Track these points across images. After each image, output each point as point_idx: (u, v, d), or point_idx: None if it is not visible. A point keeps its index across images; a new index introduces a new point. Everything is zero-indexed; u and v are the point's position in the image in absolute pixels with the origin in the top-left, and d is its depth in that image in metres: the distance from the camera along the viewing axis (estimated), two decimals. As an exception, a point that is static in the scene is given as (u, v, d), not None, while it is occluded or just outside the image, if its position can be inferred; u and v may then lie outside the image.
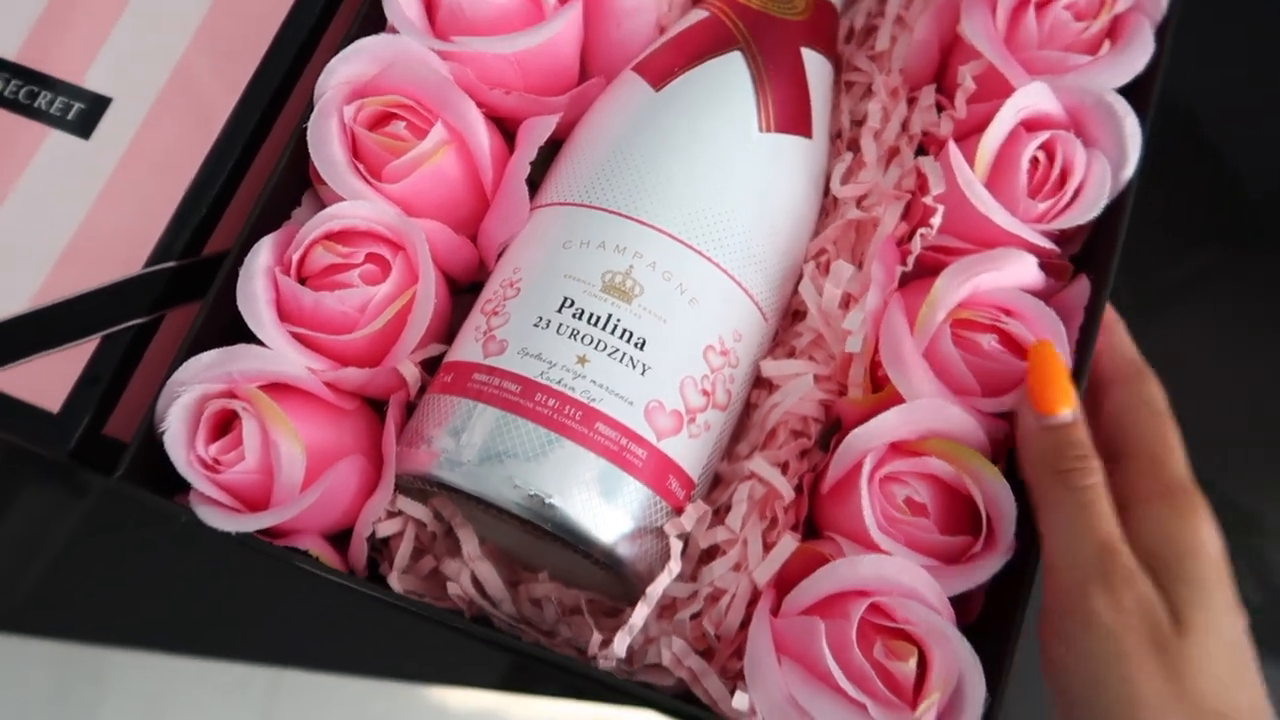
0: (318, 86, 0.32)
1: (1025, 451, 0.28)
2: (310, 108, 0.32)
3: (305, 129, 0.32)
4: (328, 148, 0.31)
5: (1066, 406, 0.28)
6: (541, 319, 0.30)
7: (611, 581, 0.31)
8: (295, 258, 0.31)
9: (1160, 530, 0.27)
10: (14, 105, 0.35)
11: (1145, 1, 0.33)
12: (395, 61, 0.32)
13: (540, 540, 0.30)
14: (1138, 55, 0.33)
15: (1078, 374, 0.30)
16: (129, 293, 0.33)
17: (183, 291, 0.34)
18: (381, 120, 0.32)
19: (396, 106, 0.32)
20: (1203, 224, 0.47)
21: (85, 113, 0.35)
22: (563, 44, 0.34)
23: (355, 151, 0.32)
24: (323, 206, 0.33)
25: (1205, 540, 0.26)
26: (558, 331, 0.29)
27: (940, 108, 0.36)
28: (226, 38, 0.36)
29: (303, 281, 0.31)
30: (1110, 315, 0.32)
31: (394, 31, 0.33)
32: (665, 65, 0.34)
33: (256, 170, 0.36)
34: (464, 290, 0.36)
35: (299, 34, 0.36)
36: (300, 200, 0.34)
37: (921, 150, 0.36)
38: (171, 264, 0.34)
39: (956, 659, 0.27)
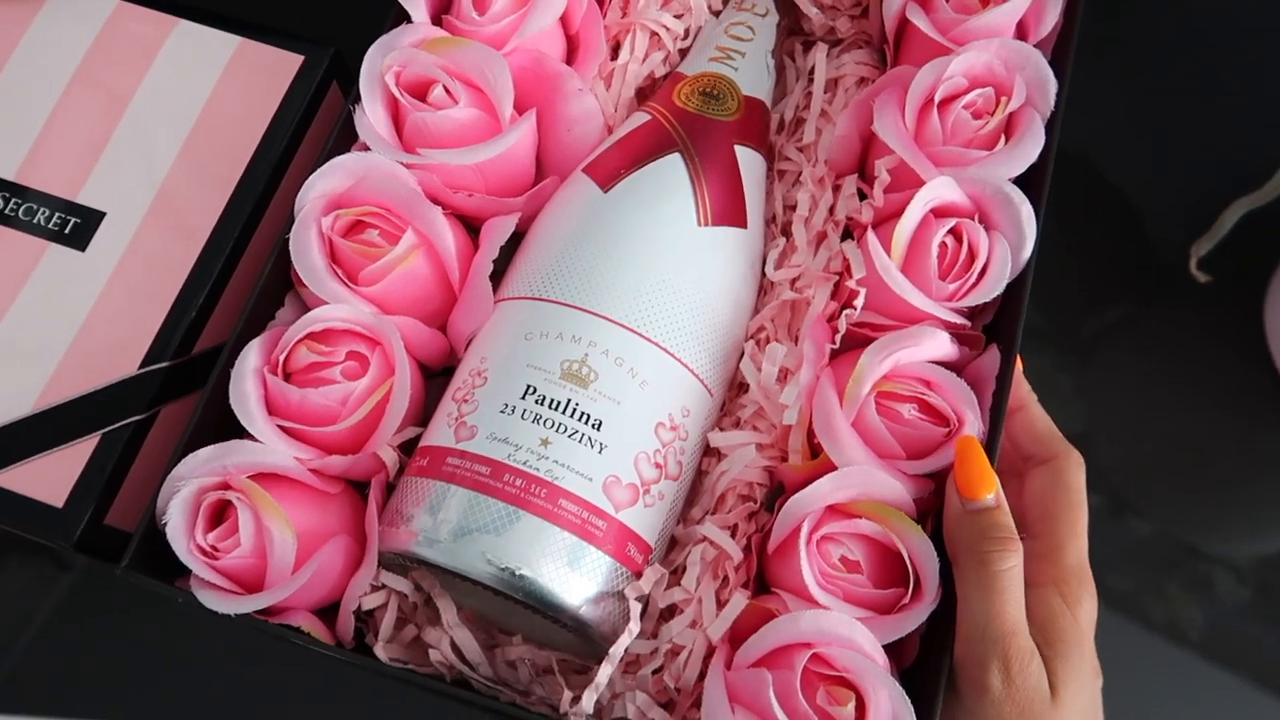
0: (298, 199, 0.35)
1: (950, 532, 0.32)
2: (291, 219, 0.35)
3: (288, 239, 0.35)
4: (308, 255, 0.35)
5: (988, 491, 0.31)
6: (507, 405, 0.33)
7: (580, 642, 0.34)
8: (281, 357, 0.34)
9: (1049, 612, 0.31)
10: (13, 222, 0.38)
11: (1035, 98, 0.38)
12: (367, 175, 0.36)
13: (513, 606, 0.33)
14: (1030, 147, 0.37)
15: (992, 434, 0.34)
16: (126, 392, 0.36)
17: (176, 388, 0.37)
18: (356, 228, 0.36)
19: (370, 216, 0.35)
20: (1119, 275, 0.51)
21: (80, 226, 0.38)
22: (519, 151, 0.38)
23: (334, 257, 0.35)
24: (304, 306, 0.36)
25: (1084, 621, 0.31)
26: (522, 417, 0.33)
27: (862, 194, 0.40)
28: (208, 155, 0.39)
29: (287, 378, 0.34)
30: (1025, 390, 0.36)
31: (365, 148, 0.37)
32: (612, 167, 0.38)
33: (240, 275, 0.39)
34: (435, 375, 0.39)
35: (274, 151, 0.39)
36: (284, 301, 0.37)
37: (847, 233, 0.40)
38: (165, 364, 0.36)
39: (890, 700, 0.30)
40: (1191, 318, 0.50)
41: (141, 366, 0.36)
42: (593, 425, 0.33)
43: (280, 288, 0.37)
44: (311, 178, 0.35)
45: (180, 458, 0.32)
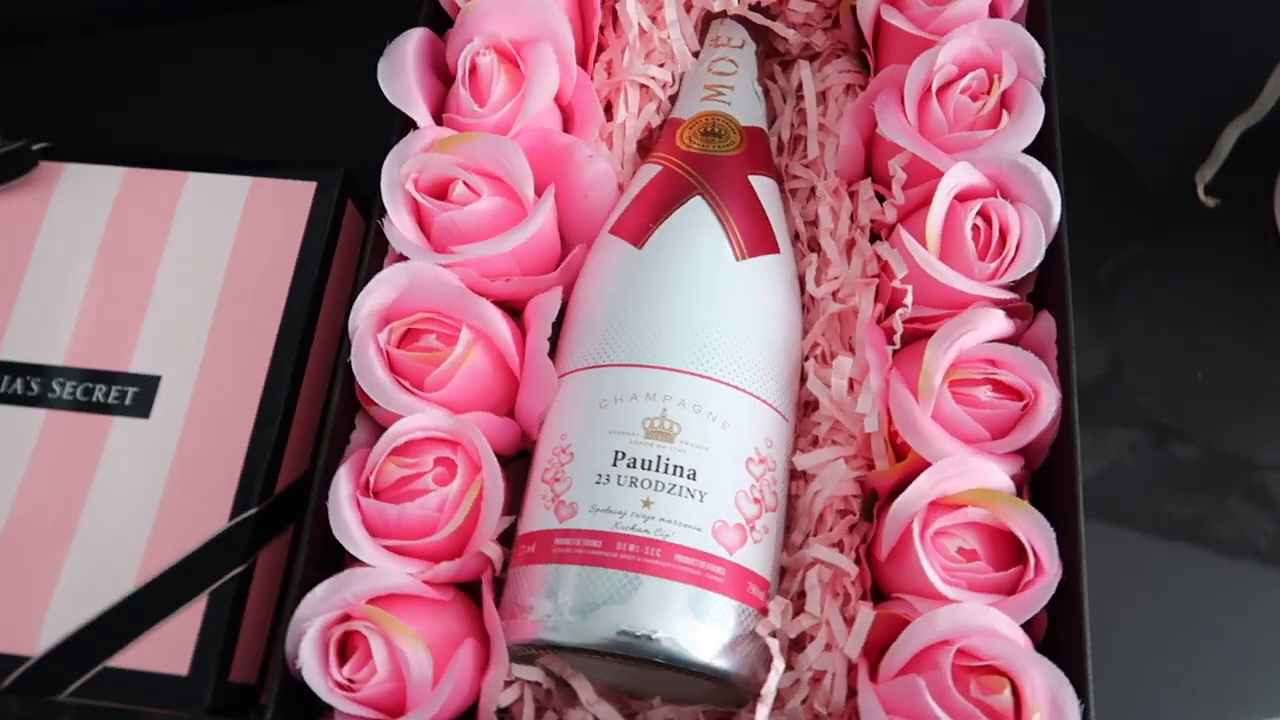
0: (350, 320, 0.36)
1: None
2: (344, 340, 0.36)
3: (349, 362, 0.35)
4: (373, 374, 0.35)
5: None
6: (601, 475, 0.33)
7: (719, 690, 0.34)
8: (371, 479, 0.34)
9: None
10: (74, 404, 0.38)
11: (1026, 70, 0.39)
12: (411, 283, 0.36)
13: (647, 670, 0.33)
14: (1033, 117, 0.38)
15: (1066, 398, 0.34)
16: (222, 547, 0.36)
17: (268, 531, 0.37)
18: (411, 336, 0.36)
19: (423, 322, 0.36)
20: (1129, 215, 0.52)
21: (140, 395, 0.39)
22: (546, 228, 0.39)
23: (397, 370, 0.36)
24: (375, 423, 0.37)
25: None
26: (619, 483, 0.33)
27: (880, 197, 0.41)
28: (246, 298, 0.40)
29: (377, 496, 0.34)
30: None
31: (400, 258, 0.37)
32: (639, 223, 0.39)
33: (303, 406, 0.39)
34: (511, 461, 0.39)
35: (308, 280, 0.40)
36: (354, 423, 0.37)
37: (874, 236, 0.41)
38: (253, 510, 0.37)
39: (1044, 677, 0.30)
40: (1206, 243, 0.51)
41: (231, 518, 0.37)
42: (688, 476, 0.33)
43: (349, 410, 0.37)
44: (360, 297, 0.36)
45: (296, 600, 0.33)
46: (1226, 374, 0.51)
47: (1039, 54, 0.39)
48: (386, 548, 0.34)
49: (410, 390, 0.35)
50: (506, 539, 0.36)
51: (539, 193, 0.38)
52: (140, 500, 0.37)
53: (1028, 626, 0.32)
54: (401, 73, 0.39)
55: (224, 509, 0.37)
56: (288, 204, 0.41)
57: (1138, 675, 0.44)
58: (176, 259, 0.41)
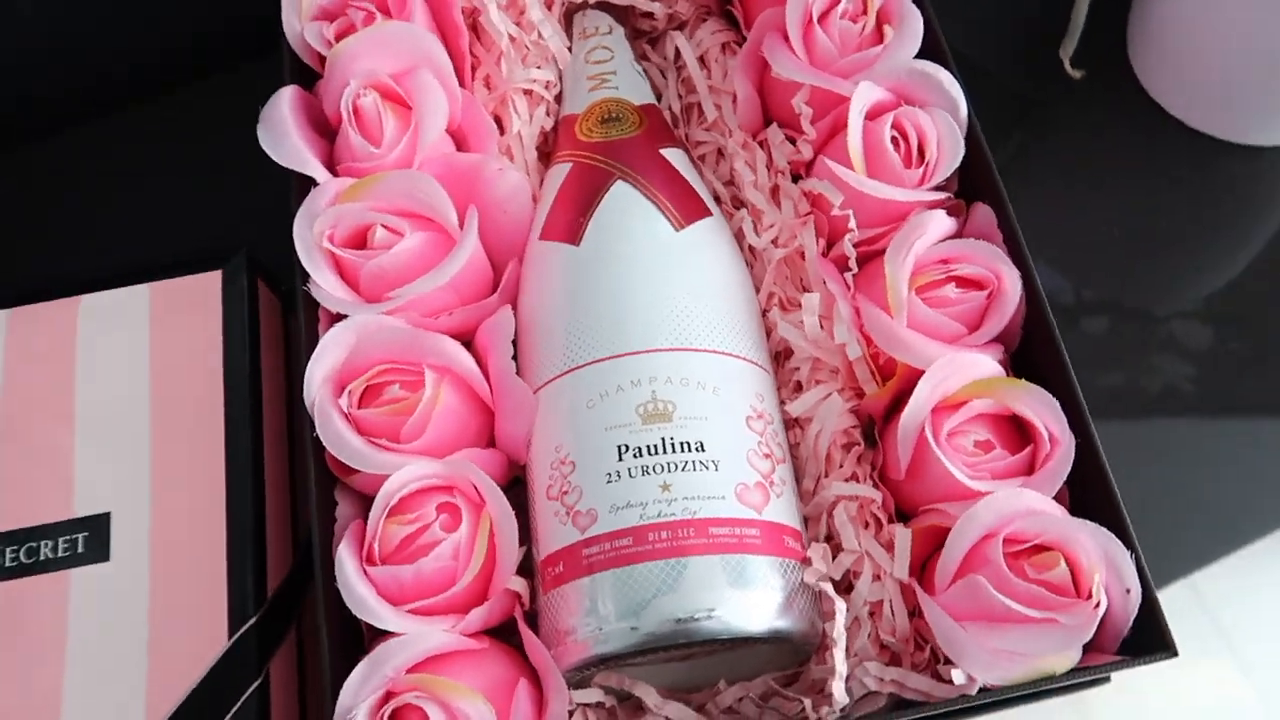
0: (305, 394, 0.34)
1: None
2: (296, 420, 0.34)
3: (316, 437, 0.33)
4: (345, 441, 0.33)
5: None
6: (611, 474, 0.32)
7: (781, 652, 0.33)
8: (376, 546, 0.32)
9: None
10: (18, 569, 0.35)
11: (893, -17, 0.40)
12: (358, 340, 0.34)
13: (705, 655, 0.32)
14: (914, 23, 0.39)
15: (1028, 277, 0.35)
16: (230, 667, 0.33)
17: (273, 636, 0.35)
18: (373, 393, 0.34)
19: (381, 375, 0.34)
20: (1005, 105, 0.54)
21: (92, 539, 0.35)
22: (477, 252, 0.37)
23: (366, 431, 0.34)
24: (358, 494, 0.35)
25: None
26: (630, 476, 0.32)
27: (790, 139, 0.41)
28: (181, 406, 0.37)
29: (385, 562, 0.32)
30: None
31: (337, 317, 0.35)
32: (569, 222, 0.38)
33: (273, 498, 0.37)
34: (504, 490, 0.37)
35: (241, 370, 0.38)
36: (335, 497, 0.35)
37: (795, 176, 0.41)
38: (253, 620, 0.34)
39: (1092, 540, 0.30)
40: (1079, 112, 0.53)
41: (231, 634, 0.34)
42: (697, 449, 0.32)
43: (327, 486, 0.35)
44: (309, 367, 0.34)
45: (333, 695, 0.30)
46: (1124, 232, 0.53)
47: (899, -35, 0.40)
48: (412, 611, 0.32)
49: (388, 447, 0.34)
50: (523, 572, 0.34)
51: (461, 218, 0.37)
52: (126, 646, 0.34)
53: (1057, 498, 0.33)
54: (284, 133, 0.37)
55: (220, 628, 0.34)
56: (196, 300, 0.39)
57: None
58: (92, 390, 0.38)
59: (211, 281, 0.39)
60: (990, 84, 0.53)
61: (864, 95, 0.37)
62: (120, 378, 0.38)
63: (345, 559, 0.32)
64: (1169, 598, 0.47)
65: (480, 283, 0.38)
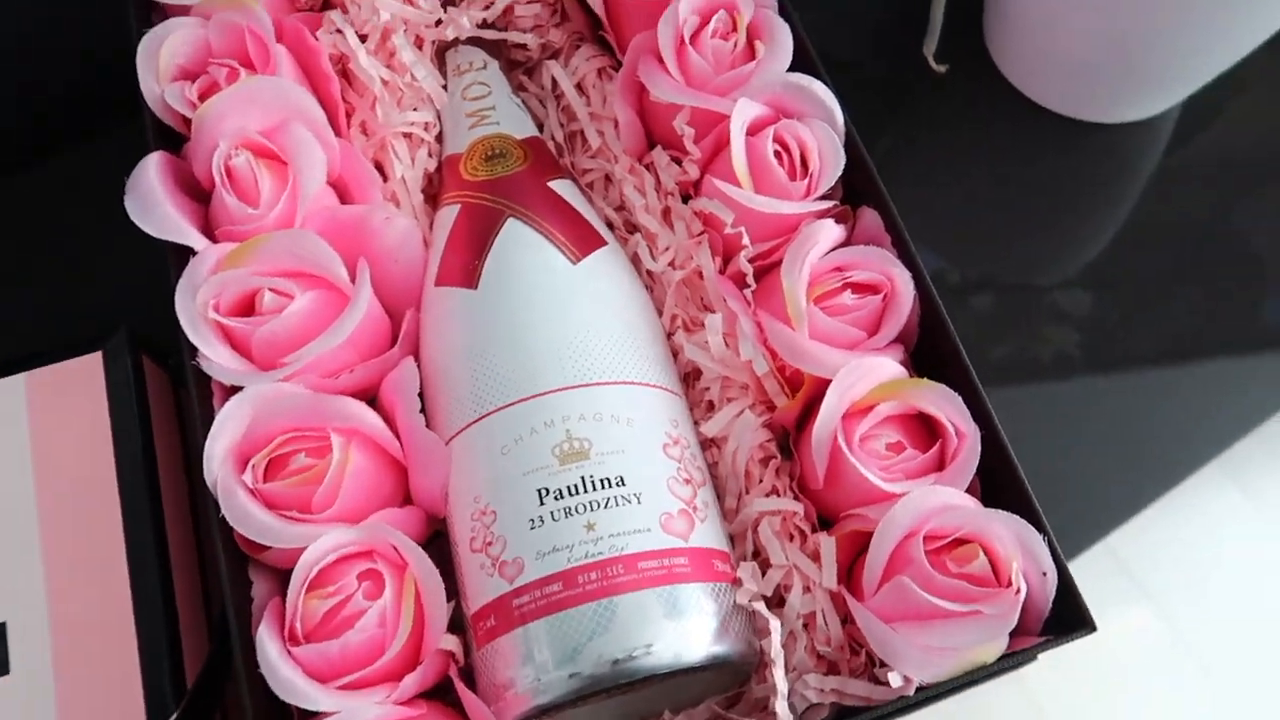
0: (205, 473, 0.32)
1: None
2: (199, 501, 0.32)
3: (222, 517, 0.32)
4: (253, 519, 0.32)
5: None
6: (533, 519, 0.32)
7: (721, 675, 0.33)
8: (297, 624, 0.31)
9: None
10: (-90, 695, 0.33)
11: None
12: (256, 411, 0.33)
13: (647, 689, 0.32)
14: (783, 38, 0.39)
15: (919, 277, 0.36)
16: (155, 769, 0.32)
17: (199, 731, 0.33)
18: (278, 464, 0.33)
19: (285, 445, 0.33)
20: (875, 104, 0.56)
21: (-12, 651, 0.33)
22: (373, 305, 0.36)
23: (275, 505, 0.33)
24: (273, 570, 0.34)
25: None
26: (554, 519, 0.32)
27: (675, 160, 0.41)
28: (73, 502, 0.35)
29: (309, 638, 0.31)
30: None
31: (232, 390, 0.34)
32: (464, 265, 0.37)
33: (182, 584, 0.35)
34: (426, 546, 0.37)
35: (134, 456, 0.36)
36: (250, 577, 0.34)
37: (684, 197, 0.41)
38: (174, 716, 0.33)
39: (1006, 528, 0.31)
40: (946, 103, 0.55)
41: (153, 735, 0.32)
42: (617, 483, 0.32)
43: (239, 567, 0.33)
44: (207, 445, 0.32)
45: (268, 783, 0.29)
46: (1000, 214, 0.55)
47: (764, -19, 0.40)
48: (342, 688, 0.31)
49: (300, 519, 0.32)
50: (454, 628, 0.33)
51: (351, 273, 0.36)
52: (39, 762, 0.32)
53: (969, 491, 0.34)
54: (154, 202, 0.35)
55: (141, 729, 0.32)
56: (78, 385, 0.37)
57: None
58: (-28, 490, 0.35)
59: (92, 364, 0.37)
60: (859, 81, 0.54)
61: (743, 112, 0.38)
62: (4, 476, 0.36)
63: (267, 641, 0.31)
64: (1089, 560, 0.49)
65: (379, 336, 0.37)
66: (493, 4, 0.44)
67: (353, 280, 0.36)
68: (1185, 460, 0.51)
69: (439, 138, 0.43)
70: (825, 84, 0.39)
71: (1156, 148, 0.56)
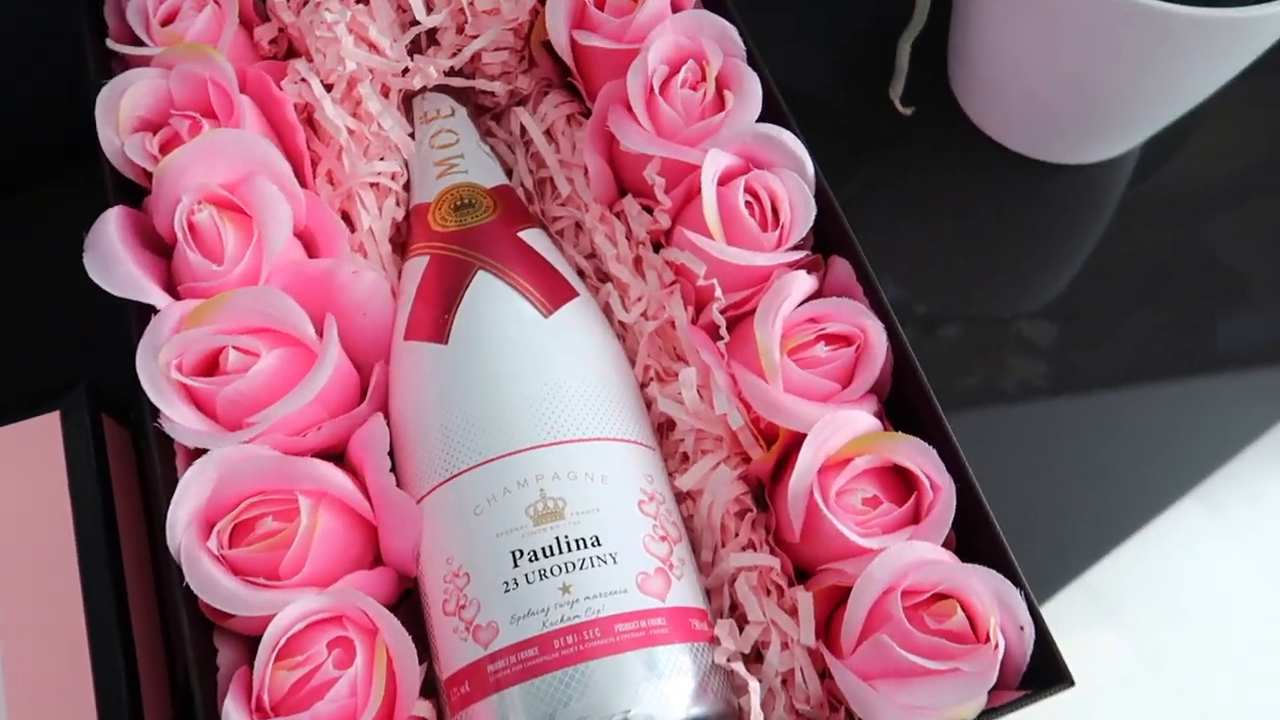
0: (170, 540, 0.31)
1: None
2: (162, 567, 0.32)
3: (186, 586, 0.31)
4: (218, 586, 0.31)
5: None
6: (508, 582, 0.31)
7: (701, 734, 0.33)
8: (265, 696, 0.30)
9: None
10: None
11: (728, 48, 0.40)
12: (221, 475, 0.32)
13: (626, 751, 0.31)
14: (752, 88, 0.39)
15: (890, 325, 0.36)
16: None
17: (163, 807, 0.32)
18: (244, 529, 0.32)
19: (251, 509, 0.32)
20: (845, 147, 0.56)
21: (-61, 729, 0.32)
22: (341, 361, 0.36)
23: (242, 571, 0.32)
24: (240, 637, 0.33)
25: None
26: (528, 582, 0.31)
27: (646, 208, 0.41)
28: (31, 563, 0.34)
29: (276, 710, 0.30)
30: None
31: (197, 452, 0.33)
32: (434, 319, 0.37)
33: (143, 653, 0.34)
34: (396, 606, 0.36)
35: (93, 516, 0.35)
36: (215, 644, 0.33)
37: (655, 245, 0.41)
38: (136, 792, 0.31)
39: (983, 583, 0.31)
40: (914, 146, 0.56)
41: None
42: (592, 544, 0.32)
43: (203, 635, 0.32)
44: (170, 511, 0.32)
45: None
46: (966, 251, 0.56)
47: (732, 30, 0.41)
48: (313, 762, 0.30)
49: (268, 585, 0.32)
50: (426, 691, 0.33)
51: (319, 328, 0.35)
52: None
53: (945, 544, 0.34)
54: (115, 260, 0.35)
55: (101, 806, 0.31)
56: (35, 445, 0.36)
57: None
58: (-78, 558, 0.34)
59: (49, 423, 0.36)
60: (828, 125, 0.55)
61: (714, 163, 0.38)
62: (-46, 543, 0.35)
63: (234, 714, 0.30)
64: (1066, 599, 0.49)
65: (347, 391, 0.37)
66: (460, 51, 0.44)
67: (320, 336, 0.35)
68: (1162, 491, 0.51)
69: (406, 186, 0.43)
70: (795, 134, 0.39)
71: (1118, 184, 0.57)
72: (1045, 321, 0.56)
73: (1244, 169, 0.58)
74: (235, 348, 0.34)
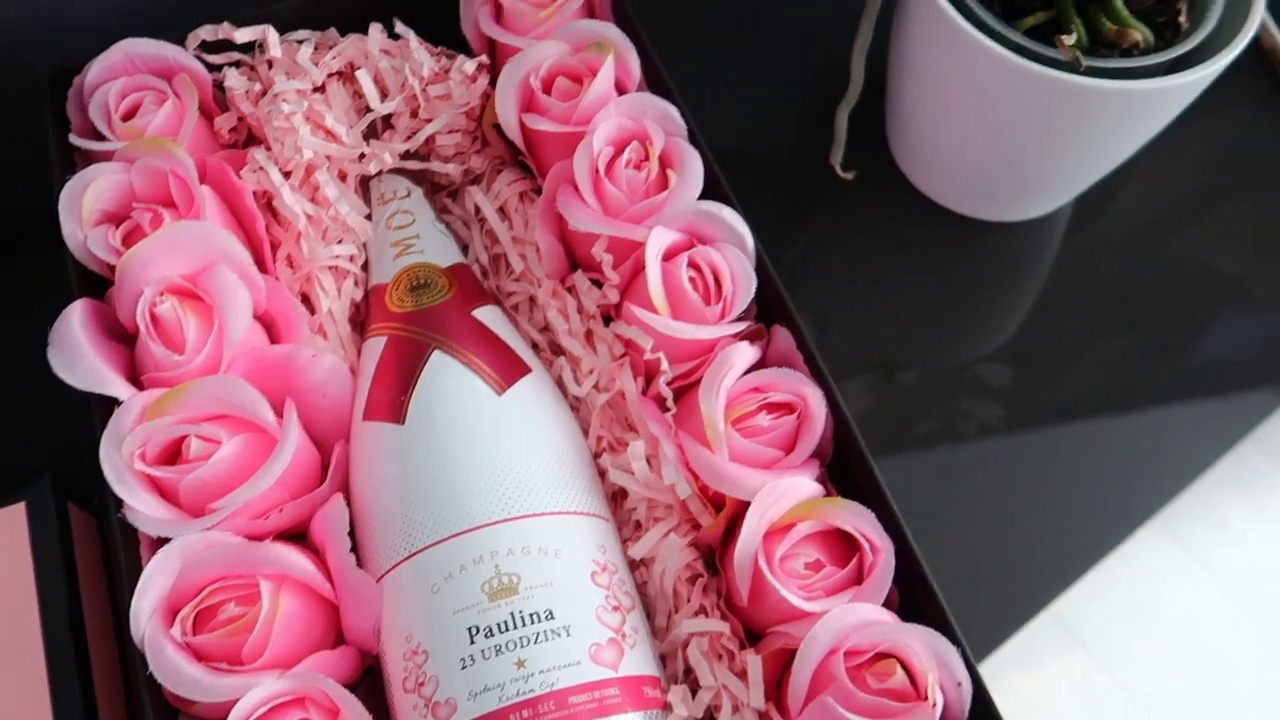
0: (133, 628, 0.32)
1: None
2: (130, 656, 0.32)
3: (149, 675, 0.32)
4: (182, 674, 0.32)
5: None
6: (464, 659, 0.32)
7: (656, 799, 0.34)
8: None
9: None
10: None
11: (669, 127, 0.42)
12: (184, 563, 0.33)
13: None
14: (694, 165, 0.41)
15: (829, 390, 0.38)
16: None
17: None
18: (207, 615, 0.33)
19: (213, 595, 0.33)
20: (783, 223, 0.58)
21: (-93, 824, 0.32)
22: (301, 444, 0.37)
23: (205, 657, 0.33)
24: (204, 720, 0.34)
25: None
26: (485, 658, 0.32)
27: (596, 282, 0.43)
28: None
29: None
30: None
31: (160, 540, 0.34)
32: (391, 400, 0.38)
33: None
34: (358, 685, 0.37)
35: (59, 609, 0.36)
36: (181, 731, 0.33)
37: (607, 318, 0.43)
38: None
39: (920, 641, 0.33)
40: (857, 209, 0.58)
41: None
42: (546, 617, 0.33)
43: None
44: (134, 601, 0.32)
45: None
46: (917, 305, 0.57)
47: (674, 111, 0.42)
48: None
49: (230, 670, 0.33)
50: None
51: (279, 413, 0.36)
52: None
53: (886, 603, 0.35)
54: (79, 354, 0.36)
55: None
56: (0, 535, 0.37)
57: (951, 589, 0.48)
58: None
59: (15, 515, 0.37)
60: (776, 188, 0.57)
61: (658, 240, 0.39)
62: (-79, 636, 0.35)
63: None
64: (1038, 629, 0.50)
65: (308, 472, 0.38)
66: (415, 135, 0.45)
67: (280, 420, 0.36)
68: (1125, 517, 0.52)
69: (365, 266, 0.44)
70: (735, 209, 0.41)
71: (1057, 232, 0.59)
72: (999, 365, 0.58)
73: (1176, 204, 0.61)
74: (198, 435, 0.35)
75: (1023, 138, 0.47)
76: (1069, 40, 0.42)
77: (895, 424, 0.54)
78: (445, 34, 0.47)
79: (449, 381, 0.38)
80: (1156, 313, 0.57)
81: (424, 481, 0.36)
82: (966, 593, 0.46)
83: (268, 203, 0.43)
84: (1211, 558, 1.10)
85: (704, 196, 0.41)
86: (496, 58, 0.47)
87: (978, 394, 0.57)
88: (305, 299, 0.42)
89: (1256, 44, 0.64)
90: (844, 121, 0.50)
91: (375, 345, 0.40)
